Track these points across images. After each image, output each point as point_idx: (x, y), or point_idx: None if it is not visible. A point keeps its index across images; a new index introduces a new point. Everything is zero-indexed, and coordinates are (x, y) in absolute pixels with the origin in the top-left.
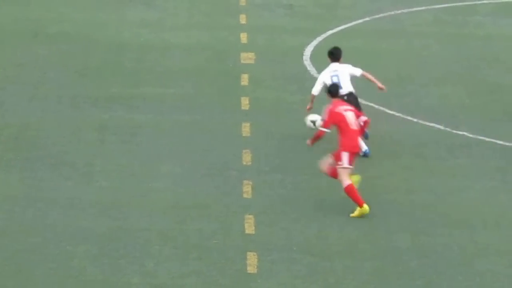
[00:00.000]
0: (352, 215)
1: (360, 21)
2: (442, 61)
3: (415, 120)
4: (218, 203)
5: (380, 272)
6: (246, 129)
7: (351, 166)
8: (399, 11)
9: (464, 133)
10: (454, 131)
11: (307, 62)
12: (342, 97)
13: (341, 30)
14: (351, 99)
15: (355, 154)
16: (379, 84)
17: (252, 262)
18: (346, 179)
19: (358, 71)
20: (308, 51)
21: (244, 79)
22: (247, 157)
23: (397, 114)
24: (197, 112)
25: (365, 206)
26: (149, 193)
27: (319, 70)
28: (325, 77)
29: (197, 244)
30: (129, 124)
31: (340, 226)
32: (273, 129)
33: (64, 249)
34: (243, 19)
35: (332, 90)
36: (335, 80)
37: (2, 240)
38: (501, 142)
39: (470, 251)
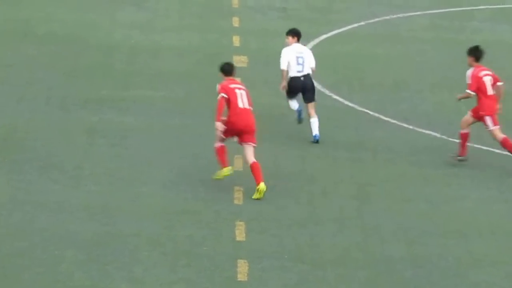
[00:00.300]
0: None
1: (355, 25)
2: (438, 67)
3: (410, 127)
4: (209, 209)
5: (373, 282)
6: None
7: (222, 144)
8: (395, 16)
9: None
10: (450, 139)
11: None
12: (299, 78)
13: (335, 34)
14: (307, 80)
15: (237, 131)
16: None
17: (242, 269)
18: (218, 142)
19: (313, 64)
20: None
21: None
22: (238, 163)
23: (392, 121)
24: (188, 115)
25: (226, 169)
26: (139, 198)
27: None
28: (291, 56)
29: (186, 251)
30: (119, 127)
31: (333, 234)
32: (265, 135)
33: (52, 254)
34: (235, 22)
35: (226, 69)
36: (300, 61)
37: None
38: (497, 151)
39: (465, 261)
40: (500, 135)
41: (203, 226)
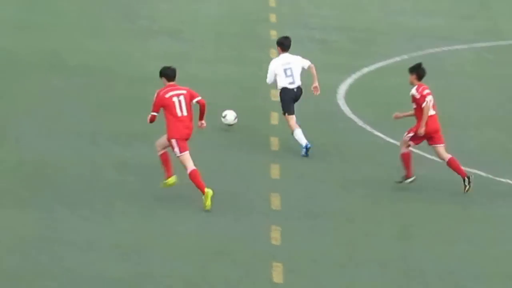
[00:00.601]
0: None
1: (398, 58)
2: (484, 103)
3: None
4: (245, 249)
5: None
6: (275, 171)
7: (185, 152)
8: (439, 49)
9: (507, 180)
10: (497, 178)
11: (341, 101)
12: (292, 90)
13: (377, 67)
14: (299, 93)
15: (185, 139)
16: (316, 84)
17: None
18: (189, 164)
19: (306, 63)
20: (342, 89)
21: (274, 118)
22: (276, 201)
23: (436, 159)
24: (223, 152)
25: (208, 190)
26: (172, 237)
27: (353, 109)
28: (278, 69)
29: None
30: (152, 162)
31: (373, 277)
32: (303, 172)
33: None
34: (273, 54)
35: (169, 74)
36: (288, 73)
37: (16, 284)
38: None
39: None
40: (406, 149)
41: (239, 267)
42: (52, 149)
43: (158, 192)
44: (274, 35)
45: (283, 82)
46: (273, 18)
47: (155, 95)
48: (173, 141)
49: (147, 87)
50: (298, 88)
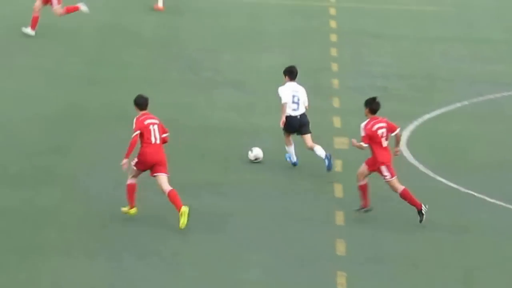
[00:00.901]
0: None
1: (458, 104)
2: None
3: None
4: None
5: None
6: (339, 217)
7: (138, 170)
8: (499, 95)
9: None
10: None
11: (403, 147)
12: (296, 117)
13: (438, 114)
14: (303, 119)
15: (149, 166)
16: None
17: None
18: (130, 178)
19: (306, 101)
20: (404, 135)
21: (338, 165)
22: (341, 247)
23: (498, 203)
24: (288, 199)
25: (132, 210)
26: (239, 285)
27: (416, 156)
28: (287, 93)
29: None
30: (218, 211)
31: None
32: (367, 217)
33: None
34: (336, 103)
35: (141, 102)
36: (295, 100)
37: None
38: None
39: None
40: (400, 186)
41: None
42: (119, 200)
43: (224, 240)
44: (336, 83)
45: (289, 108)
46: (334, 67)
47: (134, 121)
48: (134, 163)
49: (211, 137)
50: (302, 115)
